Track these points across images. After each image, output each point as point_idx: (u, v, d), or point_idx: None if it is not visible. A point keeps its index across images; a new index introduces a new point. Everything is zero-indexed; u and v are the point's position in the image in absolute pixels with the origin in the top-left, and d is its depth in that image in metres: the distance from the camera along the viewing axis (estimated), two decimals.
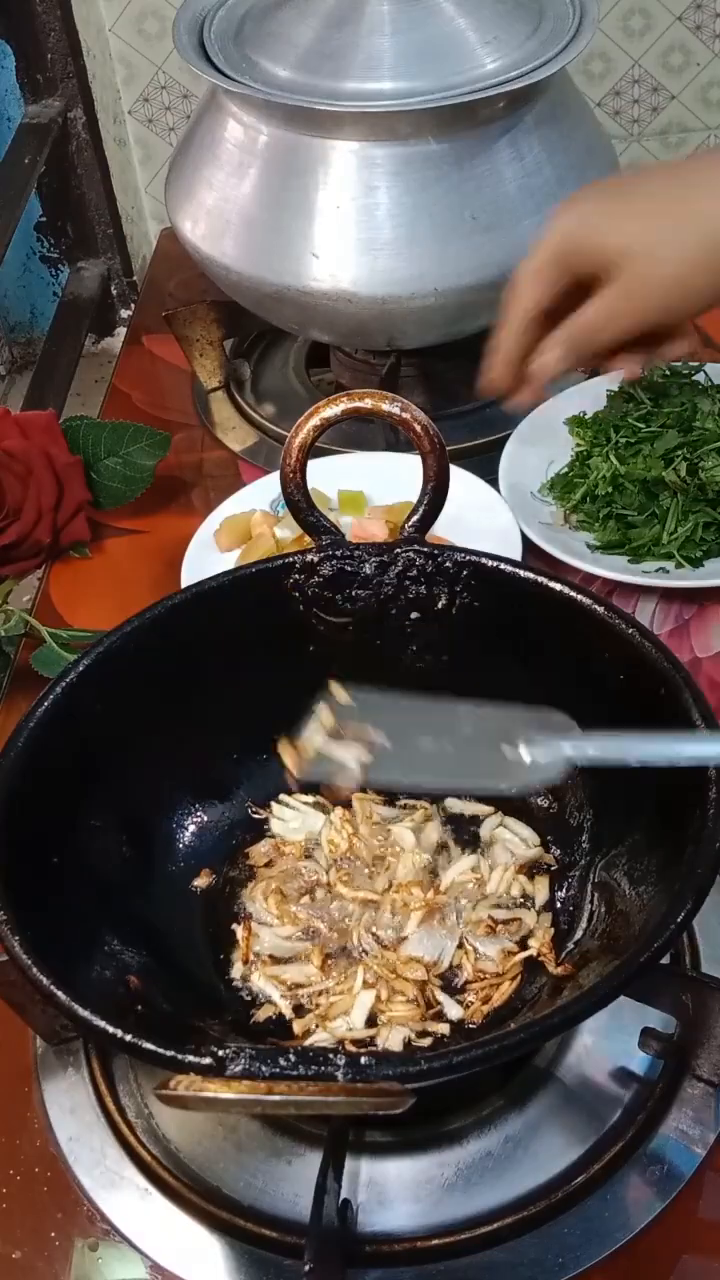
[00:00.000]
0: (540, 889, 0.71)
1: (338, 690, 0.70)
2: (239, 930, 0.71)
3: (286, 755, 0.71)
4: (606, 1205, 0.61)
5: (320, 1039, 0.65)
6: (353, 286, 0.96)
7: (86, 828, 0.67)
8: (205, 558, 0.94)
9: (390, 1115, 0.50)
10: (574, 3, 1.01)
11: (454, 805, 0.76)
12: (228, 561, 0.94)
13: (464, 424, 1.07)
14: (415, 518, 0.73)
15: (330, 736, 0.68)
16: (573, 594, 0.69)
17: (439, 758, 0.67)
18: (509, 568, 0.71)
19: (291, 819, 0.76)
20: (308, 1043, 0.65)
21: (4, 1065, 0.70)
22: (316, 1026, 0.66)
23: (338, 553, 0.73)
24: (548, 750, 0.64)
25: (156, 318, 1.17)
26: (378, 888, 0.71)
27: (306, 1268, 0.56)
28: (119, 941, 0.64)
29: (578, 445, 0.98)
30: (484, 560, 0.72)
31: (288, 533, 0.94)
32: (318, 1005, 0.67)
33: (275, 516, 0.97)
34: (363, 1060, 0.50)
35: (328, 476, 0.98)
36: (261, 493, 1.00)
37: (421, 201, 0.95)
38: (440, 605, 0.73)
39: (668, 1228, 0.61)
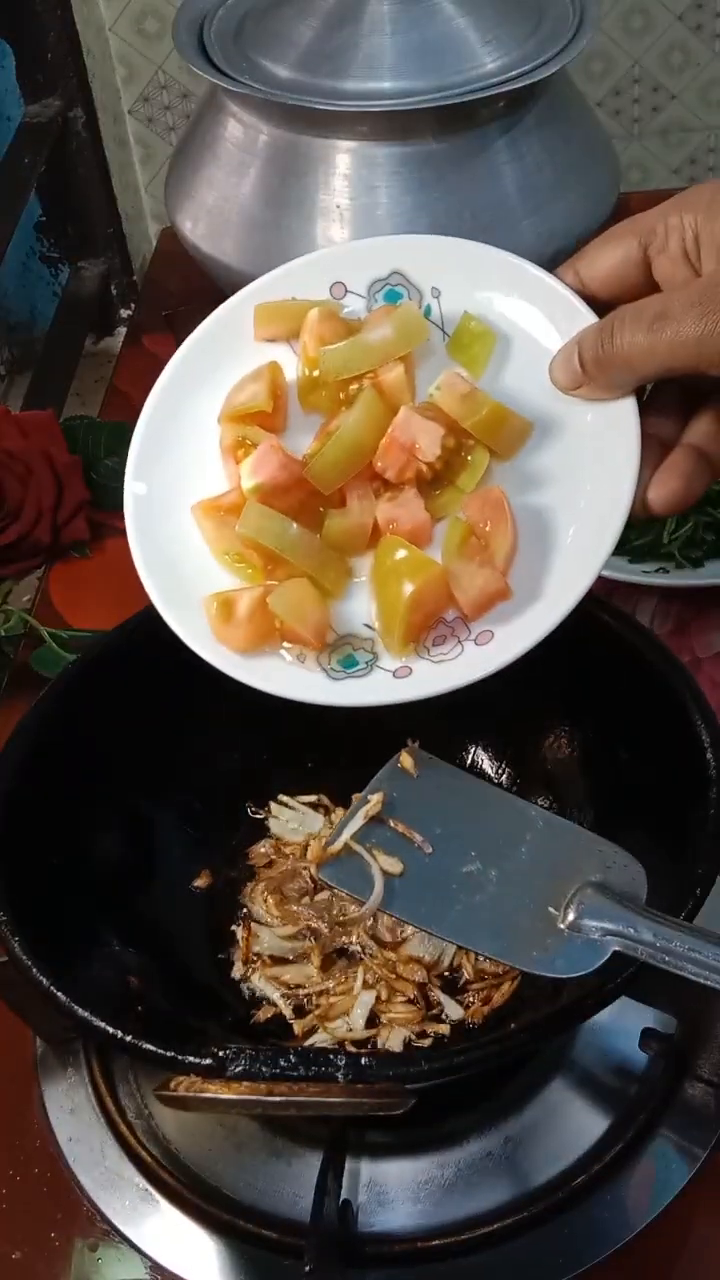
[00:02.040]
0: None
1: (407, 760, 0.67)
2: (239, 930, 0.71)
3: (312, 846, 0.70)
4: (607, 1205, 0.61)
5: (320, 1039, 0.65)
6: None
7: (86, 827, 0.67)
8: (216, 355, 0.64)
9: (390, 1116, 0.50)
10: (574, 2, 1.01)
11: None
12: (248, 359, 0.63)
13: None
14: None
15: (371, 829, 0.64)
16: None
17: (472, 896, 0.59)
18: None
19: (290, 819, 0.76)
20: (308, 1043, 0.65)
21: (4, 1065, 0.70)
22: (316, 1027, 0.66)
23: None
24: (595, 929, 0.55)
25: (156, 317, 1.17)
26: None
27: (307, 1268, 0.56)
28: (119, 941, 0.64)
29: None
30: None
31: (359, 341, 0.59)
32: (318, 1006, 0.67)
33: (344, 316, 0.62)
34: (363, 1061, 0.50)
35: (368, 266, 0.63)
36: (315, 275, 0.63)
37: (421, 201, 0.95)
38: None
39: (668, 1228, 0.61)
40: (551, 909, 0.56)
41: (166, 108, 1.59)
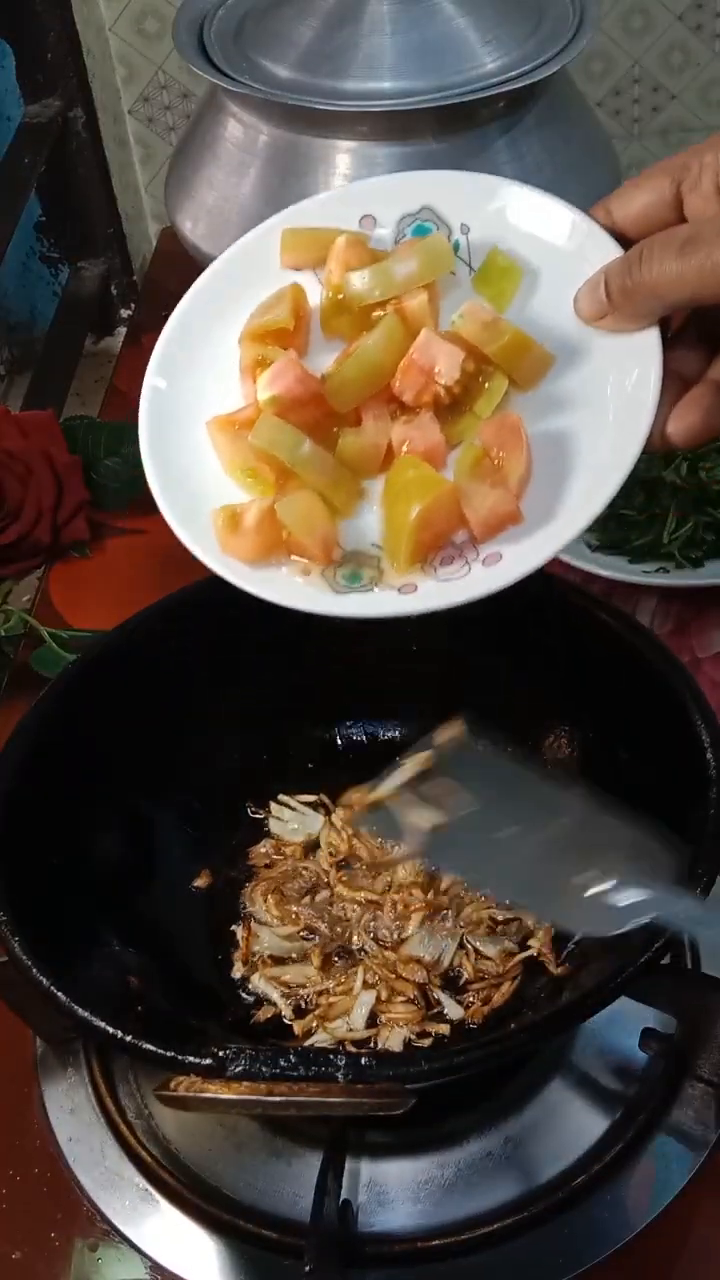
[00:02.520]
0: None
1: (455, 726, 0.66)
2: (239, 930, 0.71)
3: (353, 795, 0.69)
4: (607, 1205, 0.61)
5: (320, 1039, 0.65)
6: None
7: (86, 828, 0.67)
8: (241, 279, 0.63)
9: (390, 1116, 0.50)
10: (574, 2, 1.00)
11: None
12: (273, 285, 0.62)
13: None
14: None
15: (416, 783, 0.64)
16: (572, 594, 0.69)
17: (512, 856, 0.60)
18: None
19: (290, 819, 0.76)
20: (308, 1043, 0.65)
21: (4, 1065, 0.70)
22: (316, 1027, 0.66)
23: None
24: (629, 897, 0.55)
25: (156, 317, 1.16)
26: (378, 888, 0.71)
27: (307, 1268, 0.56)
28: (119, 941, 0.64)
29: None
30: None
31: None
32: (318, 1006, 0.67)
33: (371, 246, 0.62)
34: (363, 1061, 0.50)
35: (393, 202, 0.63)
36: (345, 208, 0.64)
37: None
38: None
39: (668, 1228, 0.61)
40: (587, 874, 0.56)
41: (166, 108, 1.59)
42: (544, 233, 0.60)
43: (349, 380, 0.58)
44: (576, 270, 0.58)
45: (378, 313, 0.60)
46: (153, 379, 0.61)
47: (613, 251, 0.57)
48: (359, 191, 0.64)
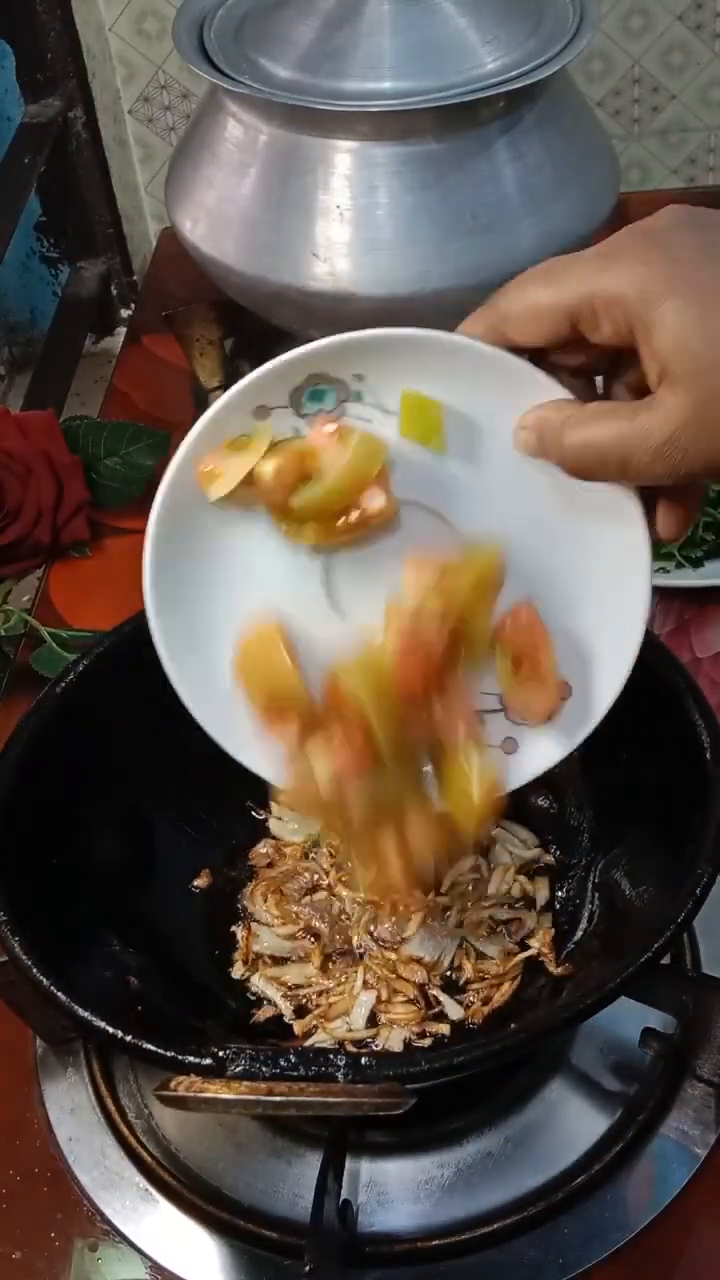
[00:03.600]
0: (540, 889, 0.71)
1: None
2: (239, 931, 0.71)
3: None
4: (607, 1205, 0.61)
5: (320, 1040, 0.65)
6: (353, 286, 0.96)
7: (86, 828, 0.67)
8: (189, 520, 0.60)
9: (391, 1116, 0.50)
10: (574, 2, 1.00)
11: None
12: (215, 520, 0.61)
13: None
14: None
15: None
16: None
17: None
18: None
19: (291, 819, 0.76)
20: (308, 1043, 0.65)
21: (4, 1065, 0.70)
22: (316, 1027, 0.66)
23: None
24: None
25: (156, 317, 1.17)
26: None
27: (307, 1268, 0.56)
28: (119, 941, 0.64)
29: None
30: None
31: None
32: (318, 1006, 0.67)
33: (279, 438, 0.58)
34: (363, 1061, 0.50)
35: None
36: (235, 412, 0.58)
37: (421, 201, 0.95)
38: None
39: (668, 1228, 0.61)
40: None
41: (166, 108, 1.59)
42: (436, 367, 0.57)
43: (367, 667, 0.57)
44: (489, 400, 0.57)
45: (341, 521, 0.58)
46: (157, 633, 0.62)
47: (526, 373, 0.55)
48: (240, 392, 0.58)
